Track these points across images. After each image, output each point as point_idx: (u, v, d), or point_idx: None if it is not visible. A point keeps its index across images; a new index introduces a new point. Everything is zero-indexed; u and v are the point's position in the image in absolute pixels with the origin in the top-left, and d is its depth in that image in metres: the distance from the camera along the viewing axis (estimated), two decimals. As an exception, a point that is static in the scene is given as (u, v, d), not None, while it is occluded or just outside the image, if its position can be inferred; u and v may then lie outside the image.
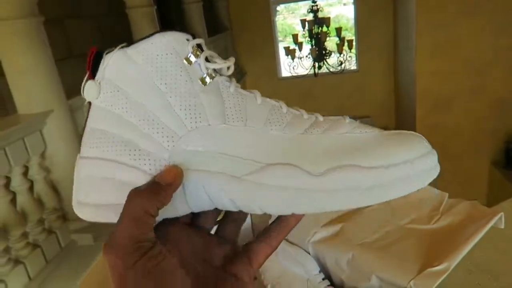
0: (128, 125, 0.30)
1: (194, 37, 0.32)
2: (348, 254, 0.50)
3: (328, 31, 4.63)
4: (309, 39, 4.64)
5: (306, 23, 4.55)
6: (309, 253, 0.55)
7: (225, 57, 0.32)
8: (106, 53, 0.31)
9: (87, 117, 0.32)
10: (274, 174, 0.27)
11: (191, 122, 0.29)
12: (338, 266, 0.51)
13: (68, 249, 2.11)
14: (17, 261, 1.85)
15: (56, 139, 2.03)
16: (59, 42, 3.15)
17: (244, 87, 0.33)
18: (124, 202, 0.28)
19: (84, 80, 0.31)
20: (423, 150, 0.28)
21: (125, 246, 0.25)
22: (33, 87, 1.95)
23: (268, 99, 0.31)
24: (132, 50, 0.30)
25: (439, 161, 0.28)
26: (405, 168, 0.26)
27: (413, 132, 0.29)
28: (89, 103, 0.32)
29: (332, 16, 5.21)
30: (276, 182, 0.27)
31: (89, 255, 2.08)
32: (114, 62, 0.31)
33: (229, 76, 0.32)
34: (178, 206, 0.29)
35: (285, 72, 5.59)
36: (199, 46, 0.31)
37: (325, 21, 4.53)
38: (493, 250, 0.54)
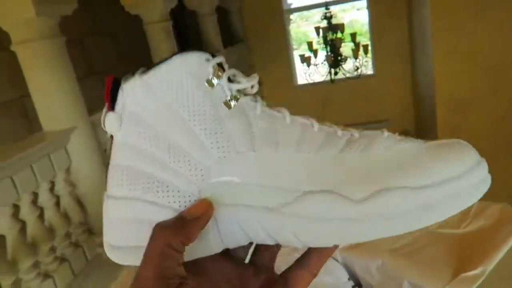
0: (152, 160, 0.28)
1: (213, 56, 0.29)
2: (378, 260, 0.50)
3: (342, 37, 4.62)
4: (324, 46, 4.64)
5: (320, 30, 4.55)
6: (338, 261, 0.55)
7: (242, 69, 0.30)
8: (124, 81, 0.29)
9: (109, 152, 0.30)
10: (312, 204, 0.25)
11: (218, 152, 0.27)
12: (368, 272, 0.50)
13: (95, 262, 2.15)
14: (46, 275, 1.89)
15: (80, 155, 2.08)
16: (80, 60, 3.24)
17: (261, 97, 0.31)
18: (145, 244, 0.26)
19: (104, 112, 0.29)
20: (471, 162, 0.25)
21: (151, 286, 0.23)
22: (57, 105, 2.01)
23: (298, 117, 0.29)
24: (151, 76, 0.28)
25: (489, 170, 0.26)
26: (455, 184, 0.24)
27: (459, 141, 0.26)
28: (111, 136, 0.29)
29: (346, 21, 5.21)
30: (315, 213, 0.25)
31: (114, 268, 2.11)
32: (132, 91, 0.28)
33: (254, 95, 0.30)
34: (212, 243, 0.27)
35: (302, 79, 5.59)
36: (220, 65, 0.29)
37: (339, 27, 4.52)
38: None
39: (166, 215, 0.27)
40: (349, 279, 0.52)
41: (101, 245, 2.18)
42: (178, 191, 0.27)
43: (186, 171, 0.27)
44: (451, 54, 4.44)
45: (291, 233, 0.26)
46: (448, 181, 0.24)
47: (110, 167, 0.29)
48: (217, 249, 0.28)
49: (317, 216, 0.25)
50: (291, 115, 0.29)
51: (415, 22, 5.13)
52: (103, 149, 2.33)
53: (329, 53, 4.56)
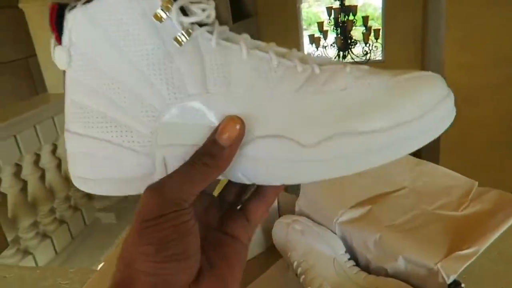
0: (104, 98, 0.27)
1: None
2: (376, 235, 0.50)
3: (354, 20, 4.55)
4: (334, 28, 4.58)
5: (332, 11, 4.49)
6: (335, 233, 0.56)
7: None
8: (68, 11, 0.27)
9: (64, 85, 0.29)
10: (264, 148, 0.25)
11: (169, 94, 0.26)
12: (365, 246, 0.51)
13: (93, 226, 2.18)
14: (44, 235, 1.93)
15: (83, 119, 2.08)
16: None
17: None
18: (112, 176, 0.28)
19: (52, 44, 0.28)
20: (437, 97, 0.24)
21: (170, 195, 0.24)
22: (63, 67, 1.99)
23: (255, 51, 0.27)
24: (95, 8, 0.26)
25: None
26: (415, 124, 0.23)
27: (427, 73, 0.25)
28: (64, 70, 0.28)
29: (359, 4, 5.13)
30: (266, 155, 0.25)
31: (112, 233, 2.15)
32: (77, 24, 0.26)
33: (212, 24, 0.27)
34: None
35: (309, 60, 5.53)
36: None
37: (352, 9, 4.46)
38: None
39: (122, 153, 0.27)
40: (345, 251, 0.53)
41: (100, 210, 2.22)
42: (131, 132, 0.27)
43: (137, 112, 0.26)
44: (464, 45, 4.38)
45: (239, 172, 0.26)
46: (410, 121, 0.23)
47: (65, 102, 0.29)
48: None
49: (266, 157, 0.25)
50: (250, 48, 0.27)
51: (430, 9, 5.04)
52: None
53: (339, 35, 4.50)
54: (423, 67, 5.53)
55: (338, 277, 0.50)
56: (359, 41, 4.64)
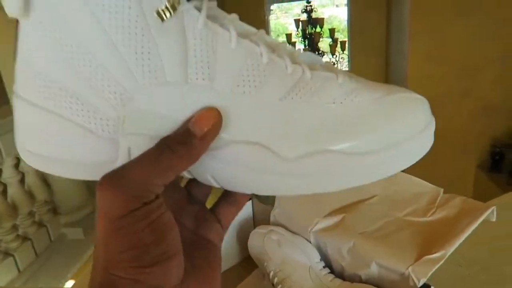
0: (67, 67, 0.22)
1: None
2: (349, 242, 0.52)
3: (321, 32, 4.68)
4: (302, 39, 4.68)
5: (300, 23, 4.59)
6: (310, 242, 0.57)
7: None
8: None
9: (16, 38, 0.23)
10: (238, 153, 0.23)
11: (143, 78, 0.22)
12: (340, 254, 0.53)
13: (58, 243, 2.10)
14: (6, 254, 1.84)
15: (49, 132, 2.02)
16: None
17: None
18: (66, 157, 0.24)
19: None
20: (422, 124, 0.24)
21: (134, 188, 0.21)
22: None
23: (245, 41, 0.24)
24: None
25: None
26: (397, 149, 0.23)
27: (415, 96, 0.25)
28: (17, 19, 0.23)
29: (325, 17, 5.27)
30: (238, 161, 0.23)
31: (79, 249, 2.08)
32: None
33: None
34: None
35: (278, 71, 5.61)
36: None
37: (319, 21, 4.58)
38: (481, 244, 0.57)
39: (78, 133, 0.23)
40: (320, 259, 0.54)
41: (66, 225, 2.15)
42: (95, 112, 0.23)
43: (105, 91, 0.22)
44: (427, 57, 4.56)
45: (209, 174, 0.24)
46: (392, 146, 0.23)
47: (18, 59, 0.24)
48: None
49: (238, 163, 0.23)
50: (240, 37, 0.24)
51: (394, 21, 5.23)
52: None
53: (307, 47, 4.61)
54: (387, 77, 5.71)
55: (314, 285, 0.51)
56: (326, 52, 4.76)
